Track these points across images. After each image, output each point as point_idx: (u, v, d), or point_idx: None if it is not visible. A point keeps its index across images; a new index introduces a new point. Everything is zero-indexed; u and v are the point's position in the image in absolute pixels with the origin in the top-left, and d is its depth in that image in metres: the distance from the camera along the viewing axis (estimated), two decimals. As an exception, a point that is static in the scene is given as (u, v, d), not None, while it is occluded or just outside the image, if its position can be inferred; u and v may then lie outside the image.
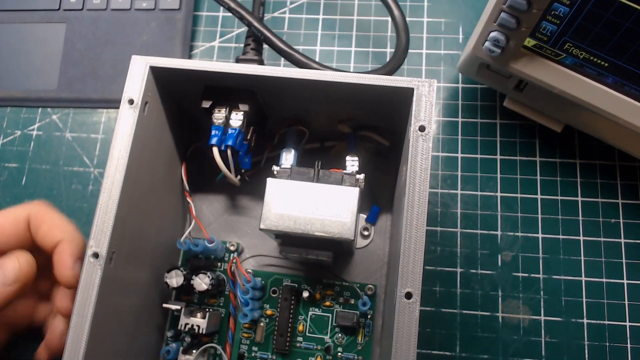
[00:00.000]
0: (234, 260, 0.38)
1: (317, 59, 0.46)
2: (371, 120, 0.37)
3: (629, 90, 0.33)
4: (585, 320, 0.39)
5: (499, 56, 0.34)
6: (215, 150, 0.33)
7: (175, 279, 0.36)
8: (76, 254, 0.32)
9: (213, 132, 0.33)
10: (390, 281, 0.36)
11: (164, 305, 0.36)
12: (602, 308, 0.39)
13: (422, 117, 0.29)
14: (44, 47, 0.48)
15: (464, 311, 0.40)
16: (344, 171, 0.34)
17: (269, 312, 0.38)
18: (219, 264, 0.39)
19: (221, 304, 0.39)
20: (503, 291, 0.40)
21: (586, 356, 0.39)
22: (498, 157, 0.43)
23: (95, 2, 0.48)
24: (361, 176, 0.34)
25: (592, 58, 0.32)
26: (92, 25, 0.48)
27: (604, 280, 0.40)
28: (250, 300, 0.36)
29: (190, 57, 0.47)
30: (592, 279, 0.40)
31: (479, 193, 0.42)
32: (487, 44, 0.34)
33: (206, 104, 0.33)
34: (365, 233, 0.40)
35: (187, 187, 0.39)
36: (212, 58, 0.48)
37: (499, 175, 0.43)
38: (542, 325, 0.39)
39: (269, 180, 0.33)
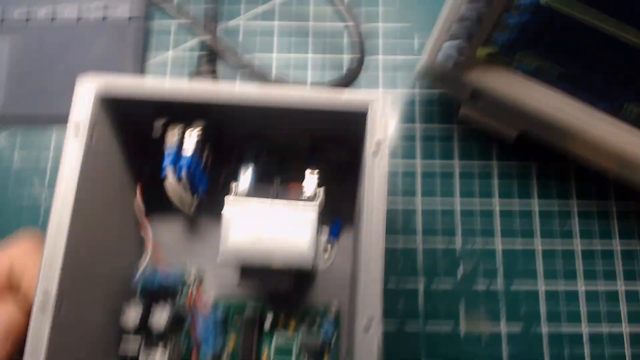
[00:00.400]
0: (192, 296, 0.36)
1: (274, 68, 0.45)
2: (330, 132, 0.36)
3: (581, 96, 0.33)
4: (544, 330, 0.39)
5: (452, 67, 0.34)
6: (168, 182, 0.32)
7: (131, 319, 0.34)
8: None
9: (165, 157, 0.32)
10: (351, 302, 0.35)
11: (121, 349, 0.35)
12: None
13: (377, 134, 0.29)
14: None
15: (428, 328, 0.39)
16: (304, 185, 0.34)
17: (232, 343, 0.37)
18: (177, 293, 0.38)
19: (181, 338, 0.37)
20: (466, 305, 0.40)
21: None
22: (456, 161, 0.43)
23: (40, 14, 0.46)
24: (320, 190, 0.34)
25: (545, 66, 0.32)
26: (38, 38, 0.46)
27: (560, 288, 0.40)
28: (211, 336, 0.35)
29: (142, 69, 0.46)
30: (550, 288, 0.40)
31: (438, 199, 0.42)
32: (440, 55, 0.33)
33: (158, 125, 0.32)
34: (327, 250, 0.39)
35: (142, 209, 0.37)
36: (166, 69, 0.46)
37: (457, 180, 0.42)
38: (503, 336, 0.39)
39: (225, 213, 0.32)
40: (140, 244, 0.39)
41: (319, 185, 0.34)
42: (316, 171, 0.35)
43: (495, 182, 0.42)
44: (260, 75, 0.36)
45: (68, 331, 0.28)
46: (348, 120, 0.31)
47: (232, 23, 0.47)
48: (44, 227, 0.41)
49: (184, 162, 0.32)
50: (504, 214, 0.42)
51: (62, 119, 0.44)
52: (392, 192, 0.42)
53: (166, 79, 0.29)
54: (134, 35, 0.46)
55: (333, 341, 0.37)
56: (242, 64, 0.36)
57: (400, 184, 0.42)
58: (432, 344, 0.39)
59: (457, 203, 0.42)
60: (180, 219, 0.40)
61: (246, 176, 0.34)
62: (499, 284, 0.40)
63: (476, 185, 0.42)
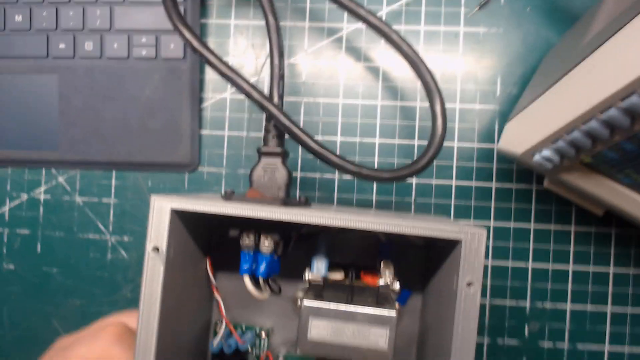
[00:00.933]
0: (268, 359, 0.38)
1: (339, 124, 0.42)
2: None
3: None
4: None
5: (549, 169, 0.31)
6: (247, 279, 0.32)
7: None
8: None
9: (243, 260, 0.32)
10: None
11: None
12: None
13: (468, 271, 0.28)
14: (38, 101, 0.44)
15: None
16: (380, 284, 0.33)
17: (304, 394, 0.39)
18: (252, 351, 0.39)
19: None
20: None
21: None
22: (532, 225, 0.41)
23: (88, 49, 0.43)
24: (397, 285, 0.33)
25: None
26: (86, 76, 0.44)
27: (626, 351, 0.40)
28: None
29: (200, 112, 0.44)
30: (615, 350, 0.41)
31: (509, 264, 0.41)
32: (537, 157, 0.31)
33: (234, 233, 0.31)
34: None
35: (214, 282, 0.37)
36: (225, 112, 0.44)
37: (531, 245, 0.41)
38: None
39: (304, 306, 0.32)
40: (209, 308, 0.40)
41: (394, 281, 0.33)
42: (391, 266, 0.34)
43: (572, 246, 0.41)
44: (338, 165, 0.34)
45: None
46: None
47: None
48: (111, 274, 0.44)
49: (262, 259, 0.32)
50: (577, 276, 0.41)
51: (119, 166, 0.44)
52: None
53: (243, 204, 0.28)
54: (188, 75, 0.43)
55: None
56: (320, 152, 0.34)
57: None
58: None
59: (530, 262, 0.41)
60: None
61: (319, 269, 0.34)
62: (565, 344, 0.41)
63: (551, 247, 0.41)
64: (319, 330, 0.32)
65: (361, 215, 0.29)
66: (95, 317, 0.43)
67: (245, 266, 0.32)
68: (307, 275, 0.34)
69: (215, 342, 0.37)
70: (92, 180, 0.45)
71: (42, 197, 0.45)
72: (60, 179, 0.45)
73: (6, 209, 0.45)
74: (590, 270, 0.41)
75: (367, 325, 0.32)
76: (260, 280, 0.32)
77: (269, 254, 0.32)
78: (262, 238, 0.31)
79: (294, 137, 0.34)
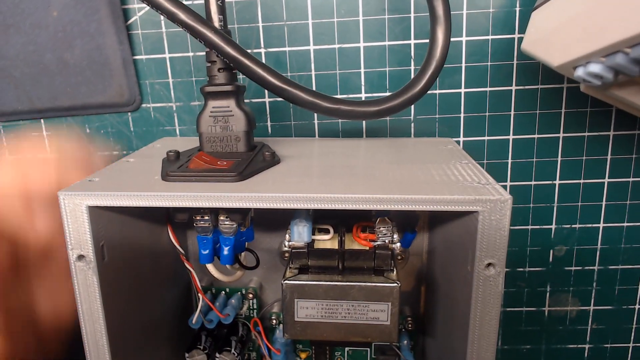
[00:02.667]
0: (258, 330, 0.33)
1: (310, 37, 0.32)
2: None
3: None
4: (637, 306, 0.36)
5: (596, 86, 0.23)
6: (211, 268, 0.25)
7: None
8: None
9: (201, 246, 0.25)
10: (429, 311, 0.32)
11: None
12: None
13: (489, 252, 0.21)
14: None
15: (508, 309, 0.37)
16: (376, 243, 0.27)
17: (303, 355, 0.35)
18: (240, 313, 0.35)
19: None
20: (552, 287, 0.36)
21: (631, 338, 0.37)
22: (561, 135, 0.33)
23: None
24: (397, 245, 0.27)
25: None
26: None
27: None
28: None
29: (128, 32, 0.33)
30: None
31: (532, 183, 0.34)
32: (581, 72, 0.22)
33: (182, 217, 0.24)
34: (400, 258, 0.34)
35: (181, 251, 0.31)
36: (160, 28, 0.34)
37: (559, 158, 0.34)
38: (590, 314, 0.37)
39: (285, 285, 0.26)
40: (187, 282, 0.34)
41: (392, 241, 0.27)
42: (389, 224, 0.27)
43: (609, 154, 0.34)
44: (308, 103, 0.25)
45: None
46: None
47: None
48: None
49: (225, 249, 0.25)
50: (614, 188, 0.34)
51: (44, 112, 0.35)
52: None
53: (184, 192, 0.20)
54: (101, -17, 0.32)
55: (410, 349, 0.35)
56: (281, 88, 0.25)
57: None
58: (512, 323, 0.37)
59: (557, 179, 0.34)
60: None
61: (301, 236, 0.27)
62: (596, 266, 0.36)
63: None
64: (307, 311, 0.27)
65: (347, 189, 0.21)
66: None
67: (205, 252, 0.25)
68: (286, 244, 0.28)
69: (194, 319, 0.32)
70: (20, 134, 0.36)
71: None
72: (-19, 136, 0.37)
73: None
74: (630, 180, 0.34)
75: (365, 300, 0.26)
76: (227, 266, 0.26)
77: (232, 236, 0.25)
78: (221, 218, 0.24)
79: (245, 71, 0.25)
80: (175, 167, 0.24)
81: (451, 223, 0.27)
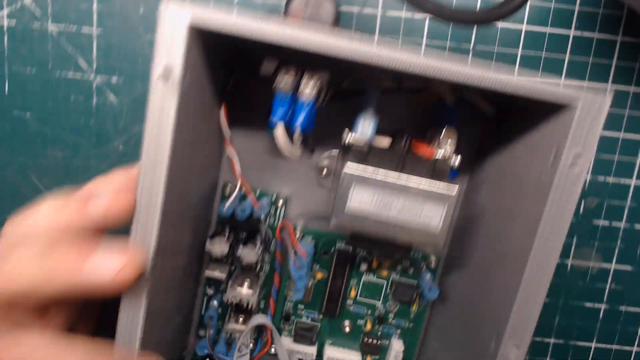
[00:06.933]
0: (286, 229, 0.32)
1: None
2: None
3: None
4: None
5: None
6: (280, 129, 0.25)
7: (219, 248, 0.31)
8: None
9: (278, 103, 0.24)
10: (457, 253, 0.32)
11: (207, 273, 0.32)
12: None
13: (576, 144, 0.21)
14: None
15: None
16: (437, 157, 0.27)
17: (319, 275, 0.35)
18: (265, 220, 0.34)
19: (266, 260, 0.35)
20: (578, 239, 0.37)
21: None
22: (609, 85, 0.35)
23: None
24: (457, 160, 0.27)
25: None
26: None
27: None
28: (304, 274, 0.32)
29: None
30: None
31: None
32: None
33: (268, 68, 0.24)
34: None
35: (227, 135, 0.31)
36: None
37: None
38: (611, 274, 0.38)
39: (347, 169, 0.26)
40: (219, 167, 0.33)
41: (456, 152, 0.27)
42: (455, 136, 0.27)
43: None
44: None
45: (164, 256, 0.25)
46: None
47: None
48: (99, 121, 0.36)
49: (300, 113, 0.25)
50: None
51: None
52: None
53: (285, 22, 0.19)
54: None
55: (428, 289, 0.35)
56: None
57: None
58: None
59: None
60: (265, 141, 0.33)
61: (365, 130, 0.27)
62: (622, 223, 0.37)
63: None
64: (361, 201, 0.26)
65: (449, 62, 0.22)
66: (81, 171, 0.37)
67: (281, 111, 0.25)
68: (348, 138, 0.27)
69: (227, 204, 0.31)
70: (68, 3, 0.35)
71: (5, 22, 0.35)
72: (27, 1, 0.35)
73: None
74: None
75: (422, 200, 0.26)
76: (296, 134, 0.26)
77: (311, 101, 0.25)
78: (306, 78, 0.24)
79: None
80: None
81: (513, 147, 0.27)
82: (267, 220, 0.34)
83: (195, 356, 0.35)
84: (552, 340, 0.39)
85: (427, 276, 0.33)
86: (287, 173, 0.33)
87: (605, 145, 0.36)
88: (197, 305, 0.35)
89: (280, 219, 0.34)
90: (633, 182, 0.36)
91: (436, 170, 0.27)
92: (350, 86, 0.28)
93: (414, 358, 0.36)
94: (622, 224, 0.37)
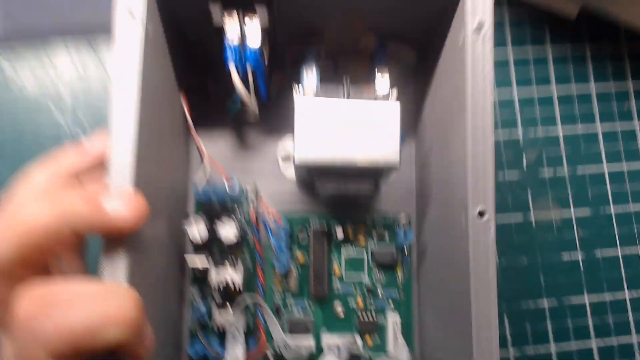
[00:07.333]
0: (260, 202, 0.33)
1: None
2: (398, 29, 0.32)
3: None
4: (612, 211, 0.39)
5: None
6: (234, 74, 0.28)
7: (196, 228, 0.31)
8: None
9: (229, 51, 0.28)
10: (427, 210, 0.33)
11: (189, 261, 0.31)
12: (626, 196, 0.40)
13: (479, 11, 0.26)
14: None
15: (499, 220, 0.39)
16: (375, 86, 0.30)
17: (300, 257, 0.34)
18: (237, 209, 0.35)
19: (245, 254, 0.34)
20: (532, 191, 0.39)
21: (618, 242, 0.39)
22: (509, 46, 0.41)
23: None
24: (394, 90, 0.31)
25: None
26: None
27: (625, 168, 0.40)
28: (284, 246, 0.32)
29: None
30: (614, 169, 0.40)
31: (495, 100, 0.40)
32: None
33: (216, 10, 0.27)
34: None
35: (191, 122, 0.33)
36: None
37: (512, 73, 0.40)
38: (574, 220, 0.39)
39: (298, 99, 0.29)
40: (186, 160, 0.35)
41: (391, 86, 0.31)
42: (386, 71, 0.31)
43: (551, 67, 0.41)
44: None
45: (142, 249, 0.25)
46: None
47: None
48: None
49: (251, 51, 0.28)
50: (563, 100, 0.40)
51: (73, 29, 0.38)
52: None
53: None
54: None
55: (406, 253, 0.35)
56: None
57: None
58: (505, 234, 0.39)
59: (515, 92, 0.40)
60: (228, 133, 0.35)
61: (311, 76, 0.31)
62: (565, 170, 0.40)
63: (532, 72, 0.40)
64: (318, 134, 0.28)
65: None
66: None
67: (231, 52, 0.28)
68: (298, 90, 0.30)
69: (199, 186, 0.32)
70: (38, 56, 0.38)
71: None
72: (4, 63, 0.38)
73: None
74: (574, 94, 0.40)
75: (372, 124, 0.29)
76: (249, 78, 0.29)
77: (258, 47, 0.28)
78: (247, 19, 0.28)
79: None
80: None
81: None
82: (241, 210, 0.35)
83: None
84: (545, 303, 0.38)
85: (401, 232, 0.34)
86: (252, 163, 0.35)
87: (526, 102, 0.40)
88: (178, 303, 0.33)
89: (252, 203, 0.35)
90: (560, 130, 0.40)
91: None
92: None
93: (414, 328, 0.35)
94: (565, 171, 0.40)
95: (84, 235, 0.22)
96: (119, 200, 0.22)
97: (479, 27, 0.25)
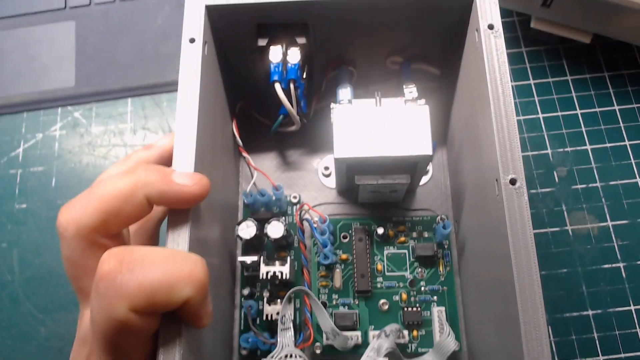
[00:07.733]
0: (303, 206, 0.37)
1: None
2: (420, 48, 0.37)
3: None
4: None
5: None
6: (277, 86, 0.33)
7: (247, 230, 0.34)
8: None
9: (273, 69, 0.33)
10: (462, 209, 0.36)
11: (240, 258, 0.34)
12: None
13: (488, 15, 0.30)
14: (55, 47, 0.47)
15: (534, 230, 0.40)
16: (405, 98, 0.34)
17: (344, 256, 0.37)
18: (283, 217, 0.38)
19: (292, 257, 0.37)
20: (566, 205, 0.41)
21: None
22: (531, 82, 0.44)
23: (102, -4, 0.48)
24: (422, 101, 0.34)
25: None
26: (102, 19, 0.47)
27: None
28: (328, 241, 0.35)
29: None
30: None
31: (520, 118, 0.43)
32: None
33: (262, 42, 0.33)
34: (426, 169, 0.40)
35: (240, 143, 0.38)
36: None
37: (536, 99, 0.44)
38: (611, 230, 0.40)
39: (335, 108, 0.33)
40: (237, 177, 0.40)
41: (419, 97, 0.34)
42: (413, 85, 0.35)
43: (574, 96, 0.44)
44: None
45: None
46: (444, 16, 0.32)
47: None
48: None
49: (291, 68, 0.33)
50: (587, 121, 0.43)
51: (135, 91, 0.46)
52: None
53: None
54: None
55: (445, 248, 0.37)
56: None
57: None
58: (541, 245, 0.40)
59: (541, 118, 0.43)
60: (272, 155, 0.40)
61: (345, 95, 0.35)
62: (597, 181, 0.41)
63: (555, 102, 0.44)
64: (352, 131, 0.32)
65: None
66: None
67: (276, 73, 0.33)
68: (335, 106, 0.34)
69: (248, 189, 0.36)
70: (108, 110, 0.46)
71: (57, 133, 0.45)
72: (77, 114, 0.46)
73: (20, 150, 0.45)
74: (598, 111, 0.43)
75: (404, 121, 0.32)
76: (291, 88, 0.33)
77: (295, 64, 0.33)
78: (289, 49, 0.33)
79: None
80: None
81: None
82: (286, 218, 0.38)
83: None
84: (590, 312, 0.38)
85: (440, 226, 0.36)
86: (295, 179, 0.39)
87: (552, 123, 0.43)
88: (229, 303, 0.36)
89: (295, 208, 0.38)
90: (588, 147, 0.42)
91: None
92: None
93: (460, 322, 0.36)
94: (597, 184, 0.41)
95: (151, 207, 0.25)
96: (186, 175, 0.25)
97: (490, 27, 0.29)
